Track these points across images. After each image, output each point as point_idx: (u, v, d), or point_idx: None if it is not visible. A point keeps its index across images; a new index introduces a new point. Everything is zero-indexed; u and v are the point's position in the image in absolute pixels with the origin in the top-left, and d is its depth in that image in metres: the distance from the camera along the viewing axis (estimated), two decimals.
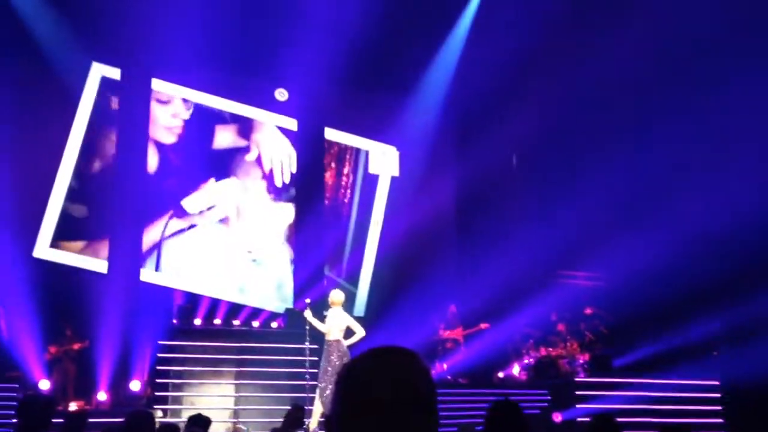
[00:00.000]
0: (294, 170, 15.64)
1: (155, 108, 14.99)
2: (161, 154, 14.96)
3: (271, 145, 15.73)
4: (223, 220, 15.15)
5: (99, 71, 14.80)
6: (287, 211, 15.54)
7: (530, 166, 16.03)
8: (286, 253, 15.41)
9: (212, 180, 15.18)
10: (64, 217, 14.22)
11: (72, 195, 14.37)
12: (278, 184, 15.66)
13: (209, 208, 15.06)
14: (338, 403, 1.42)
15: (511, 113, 14.61)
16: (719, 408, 12.05)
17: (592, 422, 4.33)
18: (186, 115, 15.24)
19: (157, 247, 14.69)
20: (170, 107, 15.16)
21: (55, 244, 14.10)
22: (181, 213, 14.90)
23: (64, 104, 14.40)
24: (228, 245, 15.07)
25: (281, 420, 10.12)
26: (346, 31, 13.10)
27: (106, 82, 14.77)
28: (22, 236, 13.27)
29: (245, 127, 15.71)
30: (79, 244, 14.27)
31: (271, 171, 15.67)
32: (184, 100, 15.26)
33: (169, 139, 15.06)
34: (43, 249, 14.05)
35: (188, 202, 14.94)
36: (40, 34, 13.55)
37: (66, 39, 13.61)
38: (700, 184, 13.18)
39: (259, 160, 15.66)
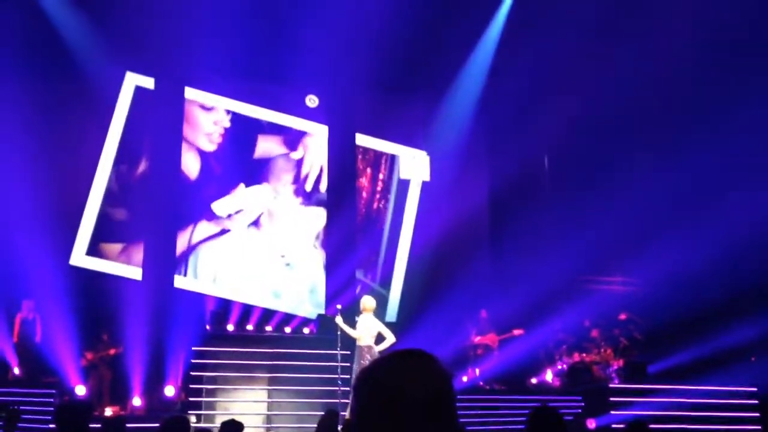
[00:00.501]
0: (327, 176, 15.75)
1: (198, 114, 15.25)
2: (203, 161, 15.16)
3: (317, 152, 15.84)
4: (256, 225, 15.26)
5: (133, 81, 15.03)
6: (319, 216, 15.62)
7: (562, 169, 15.91)
8: (319, 258, 15.49)
9: (242, 185, 15.32)
10: (103, 221, 14.47)
11: (108, 202, 14.61)
12: (308, 188, 15.74)
13: (237, 212, 15.19)
14: (357, 407, 1.43)
15: (542, 116, 14.52)
16: (757, 415, 11.83)
17: (626, 429, 4.27)
18: (227, 123, 15.43)
19: (191, 253, 14.86)
20: (213, 114, 15.39)
21: (93, 247, 14.34)
22: (212, 217, 15.07)
23: (99, 114, 14.65)
24: (261, 250, 15.19)
25: (314, 426, 10.13)
26: (377, 36, 13.12)
27: (139, 92, 14.98)
28: (59, 245, 13.50)
29: (292, 134, 15.83)
30: (118, 246, 14.49)
31: (305, 177, 15.75)
32: (227, 111, 15.46)
33: (209, 146, 15.24)
34: (79, 257, 14.29)
35: (217, 206, 15.09)
36: (74, 45, 13.79)
37: (100, 50, 13.82)
38: (738, 188, 12.98)
39: (299, 165, 15.77)
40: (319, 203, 15.71)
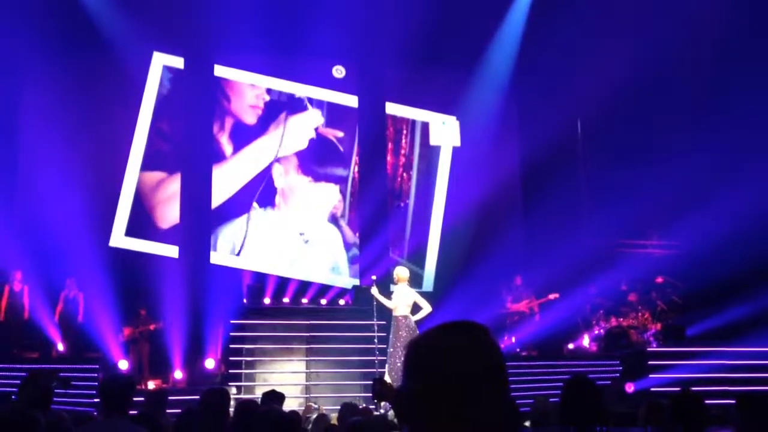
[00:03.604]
0: (342, 150, 15.79)
1: (245, 88, 15.38)
2: (235, 139, 15.28)
3: (318, 125, 15.89)
4: (272, 204, 15.34)
5: (161, 61, 15.12)
6: (333, 192, 15.67)
7: (595, 133, 15.68)
8: (337, 234, 15.56)
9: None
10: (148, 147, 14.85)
11: (142, 182, 14.83)
12: (325, 161, 15.80)
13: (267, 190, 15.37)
14: (411, 378, 1.42)
15: (574, 80, 14.32)
16: None
17: (674, 399, 4.21)
18: (267, 96, 15.59)
19: (220, 230, 15.05)
20: (257, 89, 15.52)
21: (133, 228, 14.59)
22: (247, 202, 15.23)
23: (130, 95, 14.80)
24: (280, 227, 15.30)
25: (352, 395, 10.26)
26: (407, 3, 13.01)
27: (168, 71, 15.08)
28: (98, 226, 13.77)
29: (297, 107, 15.90)
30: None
31: (318, 152, 15.78)
32: (268, 90, 15.60)
33: (250, 119, 15.37)
34: (118, 238, 14.56)
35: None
36: (103, 27, 13.89)
37: (128, 31, 13.90)
38: None
39: (309, 139, 15.82)
40: (334, 179, 15.73)
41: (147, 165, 14.90)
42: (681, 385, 6.89)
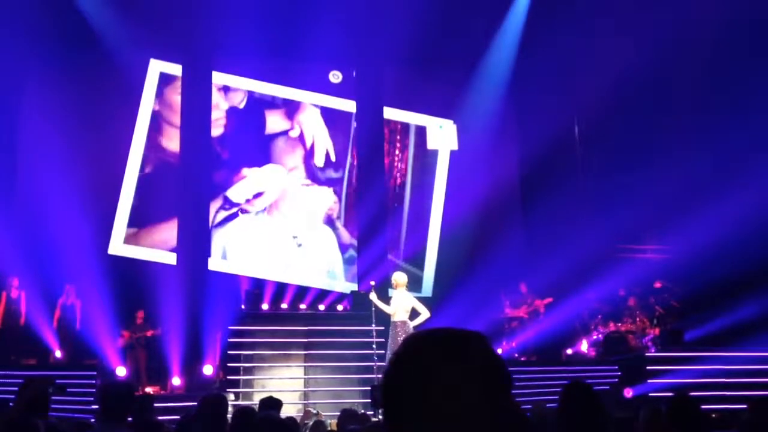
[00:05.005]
0: (334, 154, 15.78)
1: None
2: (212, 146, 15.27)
3: (312, 128, 15.84)
4: (266, 208, 15.33)
5: (157, 67, 15.12)
6: (328, 195, 15.65)
7: (593, 137, 15.69)
8: (332, 237, 15.54)
9: (255, 168, 15.38)
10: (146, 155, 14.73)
11: (139, 190, 14.82)
12: (319, 164, 15.76)
13: (256, 196, 15.26)
14: (406, 384, 1.37)
15: (572, 83, 14.33)
16: None
17: (671, 404, 4.20)
18: (226, 105, 15.47)
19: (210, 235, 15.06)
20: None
21: (131, 236, 14.56)
22: (229, 202, 15.19)
23: (127, 104, 14.82)
24: (273, 232, 15.26)
25: (350, 401, 10.24)
26: (405, 7, 13.03)
27: (165, 78, 15.08)
28: (97, 234, 13.79)
29: (290, 110, 15.86)
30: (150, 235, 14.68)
31: (311, 155, 15.75)
32: (219, 87, 15.34)
33: (215, 131, 15.19)
34: (117, 246, 14.55)
35: (233, 192, 15.19)
36: (102, 33, 13.92)
37: (125, 38, 13.91)
38: None
39: (302, 143, 15.78)
40: (328, 182, 15.71)
41: (144, 170, 14.88)
42: (679, 390, 6.86)
